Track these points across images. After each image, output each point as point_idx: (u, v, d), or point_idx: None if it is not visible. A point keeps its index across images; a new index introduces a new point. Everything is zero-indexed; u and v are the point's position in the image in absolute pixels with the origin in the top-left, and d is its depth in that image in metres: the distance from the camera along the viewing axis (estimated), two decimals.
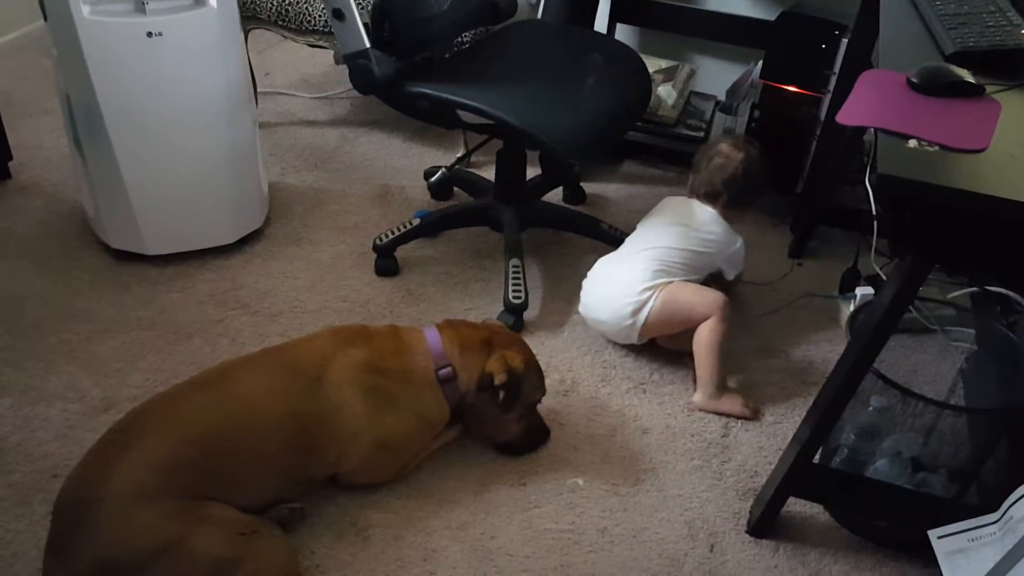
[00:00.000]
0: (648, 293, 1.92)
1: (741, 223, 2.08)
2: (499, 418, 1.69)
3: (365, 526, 1.60)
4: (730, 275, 2.08)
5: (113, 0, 1.92)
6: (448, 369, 1.67)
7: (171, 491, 1.38)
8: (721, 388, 1.89)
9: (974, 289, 1.96)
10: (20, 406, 1.79)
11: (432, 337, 1.70)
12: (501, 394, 1.65)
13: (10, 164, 2.49)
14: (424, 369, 1.66)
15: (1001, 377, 1.65)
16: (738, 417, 1.87)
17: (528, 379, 1.70)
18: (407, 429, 1.65)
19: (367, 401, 1.58)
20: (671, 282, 1.93)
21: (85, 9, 1.89)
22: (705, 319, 1.89)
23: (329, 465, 1.59)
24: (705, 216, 2.02)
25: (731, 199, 2.03)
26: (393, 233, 2.24)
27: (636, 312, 1.92)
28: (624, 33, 2.75)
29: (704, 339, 1.89)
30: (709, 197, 2.04)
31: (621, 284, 1.95)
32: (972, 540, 1.34)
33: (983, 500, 1.62)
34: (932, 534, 1.37)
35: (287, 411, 1.52)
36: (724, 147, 2.06)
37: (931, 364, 1.79)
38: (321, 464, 1.58)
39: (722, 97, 2.64)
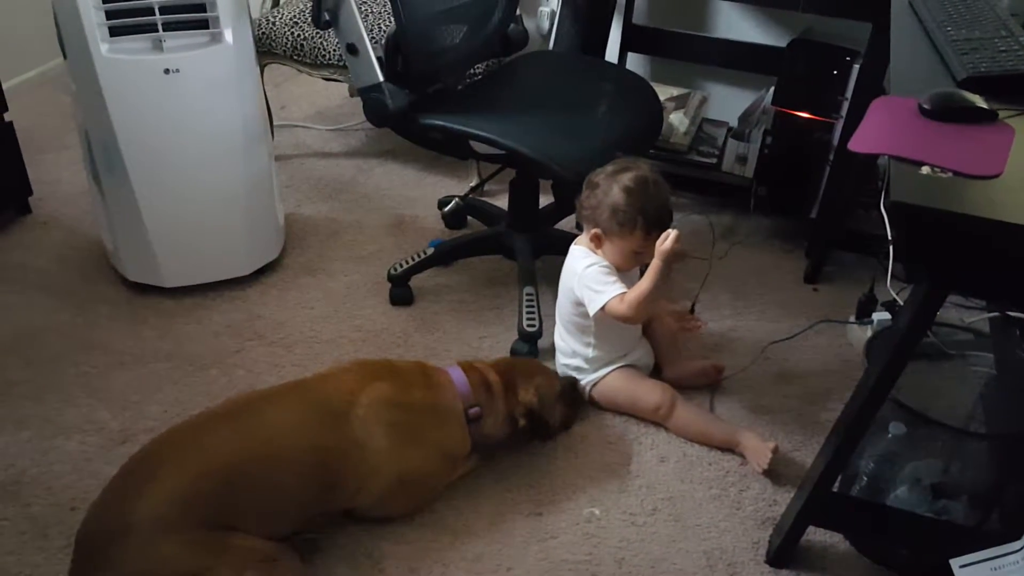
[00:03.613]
0: (579, 379, 1.94)
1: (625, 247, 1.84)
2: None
3: (380, 557, 1.60)
4: (589, 309, 1.84)
5: (131, 38, 1.95)
6: (477, 409, 1.69)
7: (193, 522, 1.38)
8: (734, 437, 1.84)
9: (993, 314, 1.94)
10: (39, 439, 1.81)
11: (458, 376, 1.72)
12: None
13: (30, 199, 2.53)
14: (452, 406, 1.67)
15: (1022, 402, 1.63)
16: (757, 464, 1.80)
17: (545, 402, 1.77)
18: (430, 466, 1.65)
19: (392, 437, 1.58)
20: (607, 373, 1.92)
21: (104, 47, 1.93)
22: (654, 412, 1.88)
23: (347, 499, 1.59)
24: (571, 248, 1.93)
25: (578, 210, 1.89)
26: (407, 263, 2.25)
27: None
28: (635, 62, 2.77)
29: (677, 431, 1.88)
30: (577, 216, 1.91)
31: (558, 350, 2.01)
32: (995, 569, 1.32)
33: (1006, 527, 1.59)
34: (954, 563, 1.35)
35: (310, 446, 1.52)
36: None
37: (950, 390, 1.77)
38: (340, 498, 1.58)
39: (734, 124, 2.64)
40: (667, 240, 1.73)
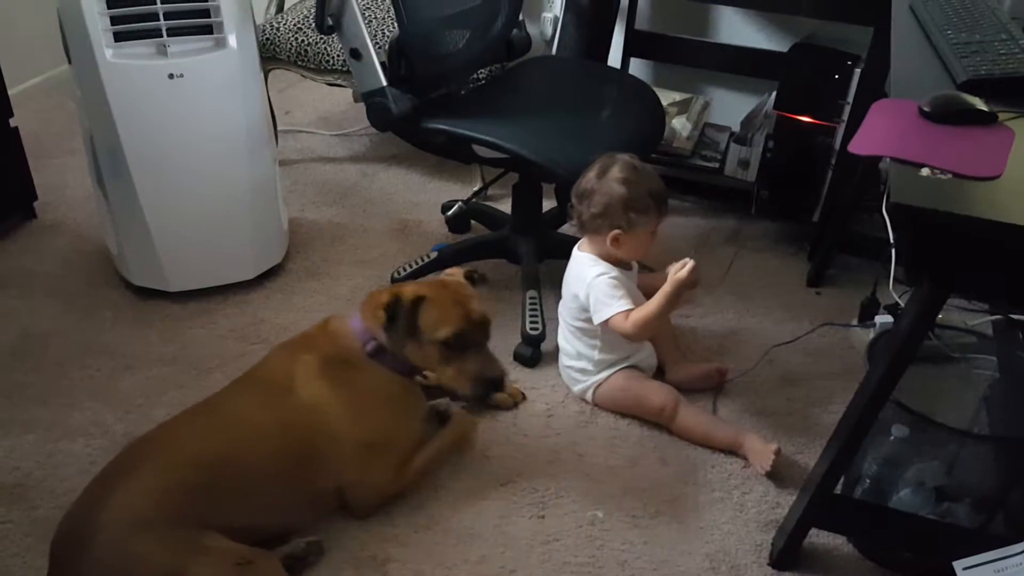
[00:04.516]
0: (583, 380, 1.94)
1: (631, 248, 1.88)
2: (444, 373, 1.66)
3: (384, 560, 1.60)
4: (594, 319, 1.86)
5: (136, 43, 1.97)
6: (373, 343, 1.67)
7: (168, 518, 1.40)
8: (737, 439, 1.84)
9: (996, 317, 1.94)
10: (44, 442, 1.81)
11: (355, 318, 1.71)
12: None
13: (36, 204, 2.54)
14: (356, 350, 1.67)
15: None
16: (760, 466, 1.80)
17: (424, 310, 1.63)
18: (381, 415, 1.66)
19: (338, 395, 1.62)
20: (611, 374, 1.92)
21: (108, 52, 1.94)
22: (657, 413, 1.89)
23: (327, 477, 1.61)
24: (574, 254, 1.96)
25: (580, 223, 1.90)
26: (411, 266, 2.26)
27: (583, 393, 1.96)
28: (638, 67, 2.78)
29: (680, 433, 1.88)
30: (581, 229, 1.93)
31: (563, 352, 2.00)
32: (999, 571, 1.32)
33: (1010, 530, 1.59)
34: (958, 565, 1.35)
35: (274, 423, 1.57)
36: None
37: (953, 392, 1.77)
38: (318, 475, 1.60)
39: (736, 128, 2.65)
40: (683, 269, 1.77)
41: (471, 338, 1.67)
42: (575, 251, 1.95)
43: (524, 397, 1.98)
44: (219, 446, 1.52)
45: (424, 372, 1.75)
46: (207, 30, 2.01)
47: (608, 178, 1.83)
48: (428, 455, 1.74)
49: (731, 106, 2.73)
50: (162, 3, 1.95)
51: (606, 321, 1.84)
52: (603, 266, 1.87)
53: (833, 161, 2.37)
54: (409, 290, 1.66)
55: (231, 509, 1.48)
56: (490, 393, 1.78)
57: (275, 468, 1.54)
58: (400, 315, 1.62)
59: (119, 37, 1.95)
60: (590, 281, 1.86)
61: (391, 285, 1.82)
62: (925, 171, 1.18)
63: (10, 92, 2.36)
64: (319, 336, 1.71)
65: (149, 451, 1.51)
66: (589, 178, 1.86)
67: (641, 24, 2.70)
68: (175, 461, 1.48)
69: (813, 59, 2.33)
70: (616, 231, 1.84)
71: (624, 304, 1.83)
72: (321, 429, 1.60)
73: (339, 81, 2.70)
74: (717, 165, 2.63)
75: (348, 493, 1.64)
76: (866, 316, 2.18)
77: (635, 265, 1.97)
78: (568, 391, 1.99)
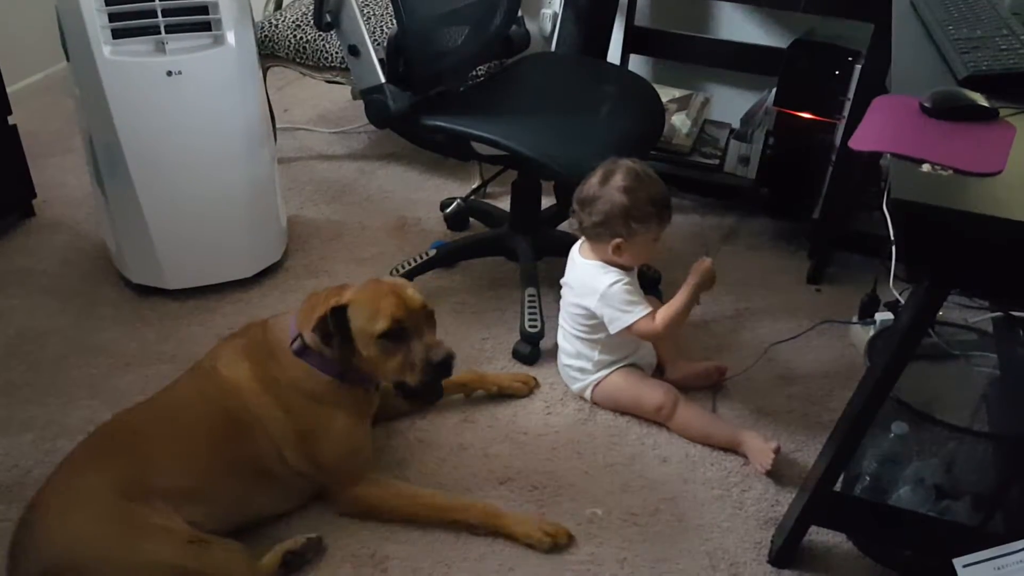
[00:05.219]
0: (582, 379, 1.94)
1: (634, 255, 1.86)
2: (389, 368, 1.62)
3: (383, 558, 1.60)
4: (611, 328, 1.85)
5: (134, 40, 1.96)
6: (298, 342, 1.63)
7: (110, 486, 1.43)
8: (737, 437, 1.84)
9: (997, 314, 1.94)
10: (42, 440, 1.81)
11: (293, 317, 1.70)
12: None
13: (34, 202, 2.53)
14: (283, 345, 1.65)
15: None
16: (759, 464, 1.80)
17: (352, 315, 1.59)
18: (303, 408, 1.63)
19: (255, 378, 1.62)
20: (610, 372, 1.92)
21: (106, 49, 1.94)
22: (656, 412, 1.88)
23: (269, 456, 1.60)
24: (575, 259, 1.95)
25: (581, 229, 1.89)
26: (410, 264, 2.26)
27: (582, 391, 1.96)
28: (638, 63, 2.78)
29: (679, 431, 1.88)
30: (584, 233, 1.91)
31: (562, 351, 2.00)
32: (999, 568, 1.32)
33: (1009, 527, 1.59)
34: (957, 563, 1.35)
35: (194, 393, 1.63)
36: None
37: (953, 390, 1.76)
38: (259, 453, 1.60)
39: (736, 125, 2.64)
40: (707, 260, 1.78)
41: (411, 326, 1.60)
42: (577, 256, 1.94)
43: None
44: (151, 414, 1.60)
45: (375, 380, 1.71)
46: (205, 27, 2.01)
47: (610, 186, 1.81)
48: (421, 497, 1.68)
49: (731, 102, 2.73)
50: (160, 0, 1.94)
51: (629, 328, 1.83)
52: (613, 272, 1.85)
53: (833, 158, 2.37)
54: (333, 301, 1.61)
55: (171, 472, 1.50)
56: (439, 379, 1.64)
57: (203, 433, 1.57)
58: (331, 331, 1.59)
59: (117, 34, 1.94)
60: (604, 291, 1.84)
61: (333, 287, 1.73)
62: (926, 167, 1.17)
63: (8, 90, 2.36)
64: (256, 326, 1.72)
65: (87, 443, 1.58)
66: (591, 184, 1.84)
67: (641, 20, 2.70)
68: (111, 432, 1.56)
69: (813, 55, 2.32)
70: (618, 239, 1.83)
71: (645, 307, 1.83)
72: (242, 406, 1.60)
73: (338, 78, 2.70)
74: (717, 162, 2.63)
75: (325, 489, 1.67)
76: (866, 313, 2.18)
77: (635, 267, 1.97)
78: (567, 389, 1.99)
